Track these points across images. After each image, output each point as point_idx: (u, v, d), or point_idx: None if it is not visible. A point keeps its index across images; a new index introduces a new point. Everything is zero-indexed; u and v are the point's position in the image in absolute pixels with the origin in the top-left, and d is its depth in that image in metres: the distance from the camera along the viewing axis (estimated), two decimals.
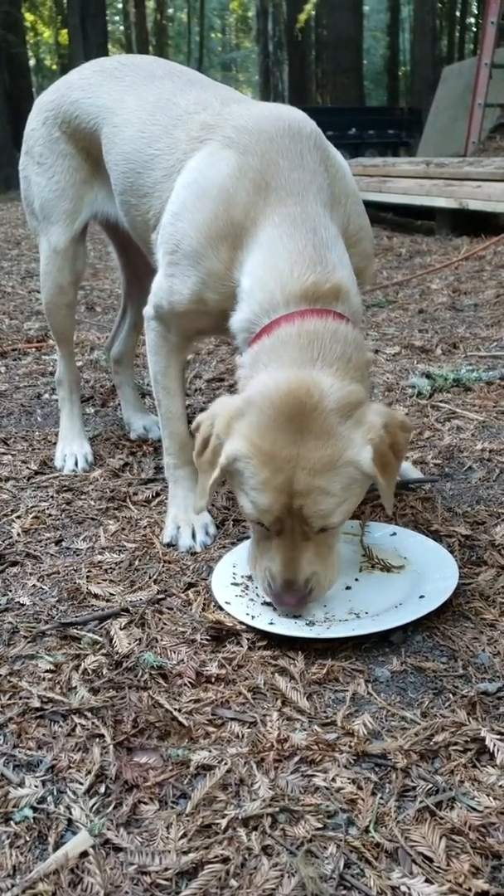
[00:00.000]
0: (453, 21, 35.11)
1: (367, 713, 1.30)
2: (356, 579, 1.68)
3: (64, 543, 1.92)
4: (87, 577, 1.75)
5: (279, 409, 1.43)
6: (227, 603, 1.58)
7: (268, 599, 1.57)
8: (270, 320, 1.54)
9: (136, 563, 1.81)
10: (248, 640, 1.50)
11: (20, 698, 1.35)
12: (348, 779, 1.16)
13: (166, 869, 1.02)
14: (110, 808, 1.13)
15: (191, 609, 1.61)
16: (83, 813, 1.11)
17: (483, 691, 1.33)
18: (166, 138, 1.88)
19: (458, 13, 35.37)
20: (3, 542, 1.92)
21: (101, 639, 1.51)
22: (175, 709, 1.32)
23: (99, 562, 1.81)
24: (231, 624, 1.53)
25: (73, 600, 1.66)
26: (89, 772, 1.19)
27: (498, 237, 5.77)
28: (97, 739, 1.26)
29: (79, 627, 1.55)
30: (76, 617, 1.59)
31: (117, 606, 1.62)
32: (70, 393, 2.51)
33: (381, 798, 1.13)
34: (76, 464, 2.36)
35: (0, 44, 18.50)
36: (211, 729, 1.28)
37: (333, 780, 1.16)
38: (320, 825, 1.08)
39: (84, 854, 1.05)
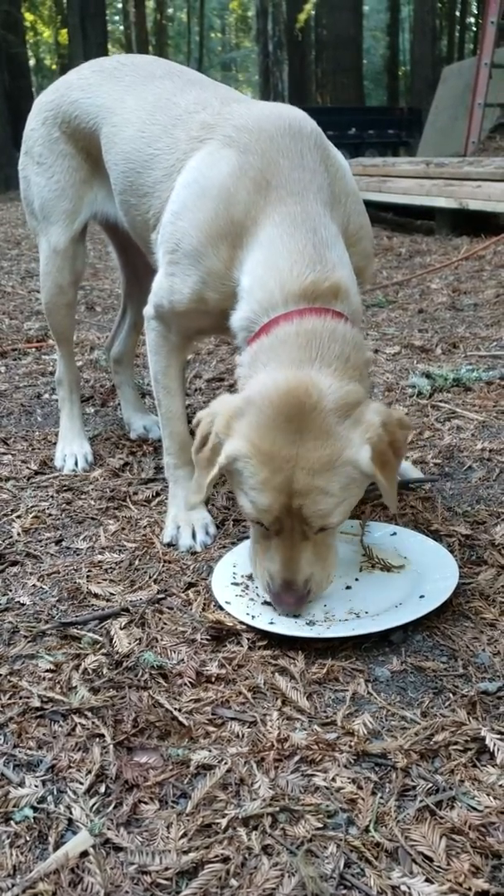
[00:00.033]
0: (453, 21, 35.11)
1: (367, 713, 1.30)
2: (356, 579, 1.68)
3: (64, 543, 1.92)
4: (88, 576, 1.75)
5: (278, 408, 1.43)
6: (227, 603, 1.58)
7: (267, 599, 1.57)
8: (269, 319, 1.54)
9: (137, 562, 1.81)
10: (248, 639, 1.50)
11: (20, 698, 1.35)
12: (348, 778, 1.16)
13: (167, 868, 1.02)
14: (110, 808, 1.13)
15: (191, 609, 1.61)
16: (83, 813, 1.11)
17: (483, 691, 1.33)
18: (166, 138, 1.88)
19: (458, 13, 35.38)
20: (4, 541, 1.92)
21: (101, 638, 1.51)
22: (175, 708, 1.32)
23: (99, 561, 1.81)
24: (231, 624, 1.53)
25: (74, 600, 1.66)
26: (89, 771, 1.19)
27: (498, 237, 5.77)
28: (97, 739, 1.26)
29: (79, 627, 1.55)
30: (76, 617, 1.59)
31: (117, 606, 1.62)
32: (70, 393, 2.51)
33: (382, 798, 1.13)
34: (76, 463, 2.36)
35: (0, 44, 18.49)
36: (211, 728, 1.28)
37: (333, 779, 1.16)
38: (320, 825, 1.08)
39: (84, 854, 1.05)
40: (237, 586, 1.65)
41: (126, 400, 2.66)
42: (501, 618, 1.54)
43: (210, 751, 1.22)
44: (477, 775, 1.16)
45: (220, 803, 1.12)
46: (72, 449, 2.40)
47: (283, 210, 1.58)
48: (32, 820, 1.11)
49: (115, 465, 2.36)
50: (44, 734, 1.27)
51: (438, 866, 1.01)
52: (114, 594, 1.67)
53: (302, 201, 1.59)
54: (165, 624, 1.57)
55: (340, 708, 1.31)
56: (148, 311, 1.87)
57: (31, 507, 2.10)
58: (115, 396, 2.92)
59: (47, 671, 1.42)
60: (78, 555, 1.86)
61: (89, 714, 1.31)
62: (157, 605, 1.63)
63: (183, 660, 1.44)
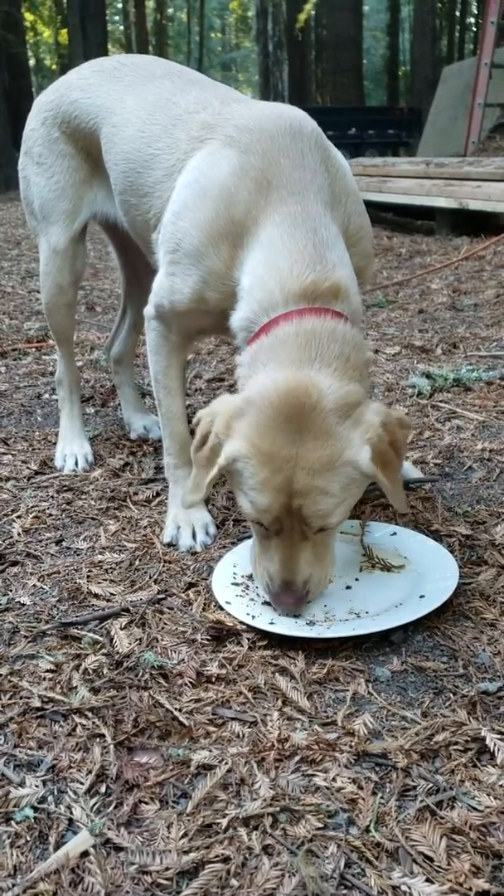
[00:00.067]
0: (453, 21, 35.11)
1: (367, 713, 1.30)
2: (356, 579, 1.68)
3: (64, 543, 1.92)
4: (88, 576, 1.75)
5: (278, 409, 1.43)
6: (227, 603, 1.58)
7: (267, 599, 1.57)
8: (269, 319, 1.54)
9: (137, 562, 1.81)
10: (248, 639, 1.50)
11: (21, 698, 1.35)
12: (349, 778, 1.16)
13: (167, 868, 1.02)
14: (111, 808, 1.13)
15: (191, 609, 1.61)
16: (84, 812, 1.11)
17: (483, 691, 1.33)
18: (166, 138, 1.88)
19: (458, 13, 35.37)
20: (4, 541, 1.92)
21: (101, 639, 1.51)
22: (176, 708, 1.32)
23: (99, 562, 1.81)
24: (231, 624, 1.53)
25: (74, 600, 1.66)
26: (90, 771, 1.19)
27: (498, 237, 5.77)
28: (98, 739, 1.26)
29: (79, 627, 1.55)
30: (77, 617, 1.59)
31: (118, 606, 1.62)
32: (70, 393, 2.51)
33: (382, 798, 1.13)
34: (76, 464, 2.36)
35: (0, 44, 18.49)
36: (211, 728, 1.28)
37: (334, 779, 1.16)
38: (321, 825, 1.08)
39: (85, 854, 1.05)
40: (237, 586, 1.65)
41: (126, 400, 2.66)
42: (502, 618, 1.54)
43: (210, 751, 1.22)
44: (477, 775, 1.16)
45: (220, 803, 1.12)
46: (72, 449, 2.40)
47: (284, 210, 1.59)
48: (33, 820, 1.11)
49: (115, 466, 2.36)
50: (44, 734, 1.27)
51: (439, 866, 1.01)
52: (114, 594, 1.67)
53: (302, 201, 1.59)
54: (166, 624, 1.57)
55: (341, 708, 1.31)
56: (148, 310, 1.87)
57: (32, 507, 2.10)
58: (115, 396, 2.92)
59: (48, 671, 1.42)
60: (78, 555, 1.86)
61: (90, 714, 1.31)
62: (157, 605, 1.63)
63: (183, 660, 1.44)
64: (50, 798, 1.14)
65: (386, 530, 1.86)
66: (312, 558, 1.51)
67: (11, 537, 1.94)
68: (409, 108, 21.49)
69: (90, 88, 2.14)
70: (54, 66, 37.18)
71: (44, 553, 1.87)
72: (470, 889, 0.97)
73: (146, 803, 1.14)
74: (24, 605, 1.65)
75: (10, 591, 1.71)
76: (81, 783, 1.17)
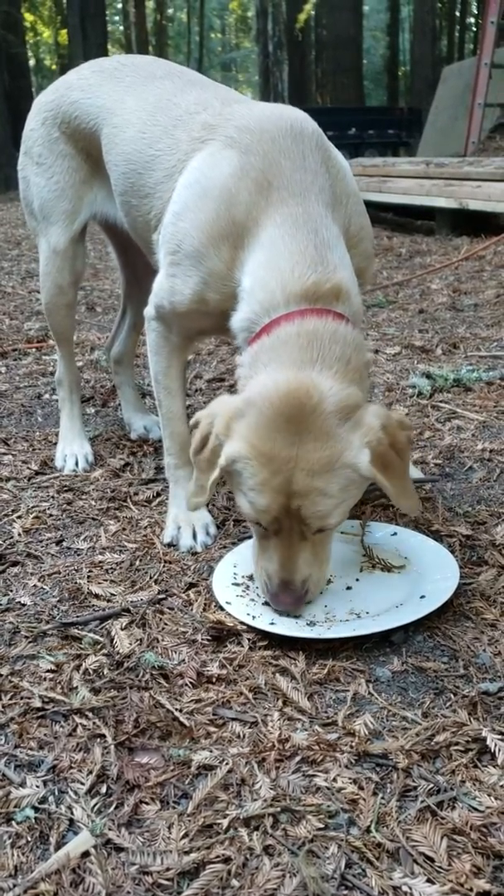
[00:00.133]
0: (453, 21, 35.11)
1: (368, 713, 1.30)
2: (357, 579, 1.68)
3: (65, 543, 1.92)
4: (88, 577, 1.75)
5: (278, 410, 1.43)
6: (227, 603, 1.58)
7: (266, 599, 1.57)
8: (271, 319, 1.54)
9: (137, 563, 1.81)
10: (248, 640, 1.50)
11: (21, 698, 1.35)
12: (349, 779, 1.16)
13: (168, 869, 1.02)
14: (112, 808, 1.13)
15: (192, 609, 1.61)
16: (85, 813, 1.11)
17: (484, 691, 1.33)
18: (167, 139, 1.88)
19: (458, 13, 35.37)
20: (4, 542, 1.92)
21: (102, 639, 1.51)
22: (176, 709, 1.32)
23: (100, 562, 1.81)
24: (232, 624, 1.53)
25: (74, 600, 1.66)
26: (91, 772, 1.19)
27: (498, 237, 5.77)
28: (98, 739, 1.26)
29: (80, 627, 1.56)
30: (77, 617, 1.59)
31: (118, 606, 1.62)
32: (70, 393, 2.51)
33: (383, 798, 1.13)
34: (76, 464, 2.36)
35: (0, 44, 18.49)
36: (212, 729, 1.28)
37: (335, 780, 1.16)
38: (322, 825, 1.08)
39: (86, 854, 1.05)
40: (238, 587, 1.65)
41: (126, 400, 2.67)
42: (502, 618, 1.54)
43: (211, 751, 1.22)
44: (478, 776, 1.16)
45: (221, 804, 1.13)
46: (72, 449, 2.40)
47: (285, 211, 1.59)
48: (34, 820, 1.11)
49: (115, 466, 2.36)
50: (45, 734, 1.27)
51: (440, 867, 1.01)
52: (114, 594, 1.67)
53: (303, 202, 1.59)
54: (166, 624, 1.57)
55: (341, 708, 1.31)
56: (149, 311, 1.87)
57: (32, 507, 2.10)
58: (115, 397, 2.92)
59: (48, 671, 1.42)
60: (79, 555, 1.86)
61: (90, 714, 1.31)
62: (157, 605, 1.63)
63: (184, 660, 1.44)
64: (51, 798, 1.15)
65: (386, 530, 1.86)
66: (311, 558, 1.51)
67: (12, 537, 1.94)
68: (409, 108, 21.47)
69: (90, 89, 2.14)
70: (54, 66, 37.18)
71: (44, 553, 1.87)
72: (471, 889, 0.97)
73: (147, 804, 1.14)
74: (24, 605, 1.65)
75: (11, 591, 1.71)
76: (82, 783, 1.17)
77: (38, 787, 1.16)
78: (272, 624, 1.51)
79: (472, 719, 1.27)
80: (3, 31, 18.61)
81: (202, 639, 1.51)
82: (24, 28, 24.39)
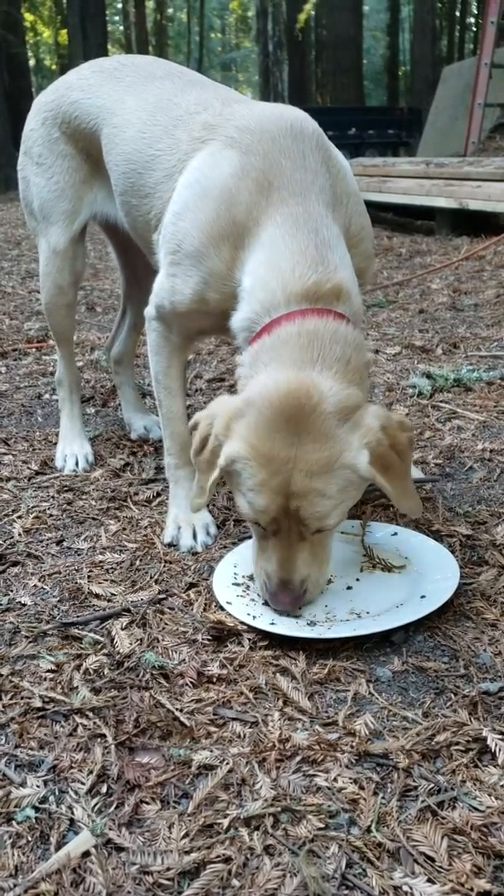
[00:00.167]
0: (453, 21, 35.10)
1: (368, 713, 1.30)
2: (357, 579, 1.68)
3: (65, 543, 1.92)
4: (89, 577, 1.75)
5: (278, 410, 1.43)
6: (228, 603, 1.58)
7: (266, 598, 1.57)
8: (271, 319, 1.54)
9: (138, 563, 1.81)
10: (249, 640, 1.50)
11: (22, 698, 1.35)
12: (350, 779, 1.16)
13: (168, 869, 1.02)
14: (112, 808, 1.13)
15: (192, 609, 1.61)
16: (85, 813, 1.11)
17: (484, 691, 1.33)
18: (167, 139, 1.88)
19: (458, 13, 35.37)
20: (5, 542, 1.92)
21: (102, 639, 1.51)
22: (177, 709, 1.32)
23: (100, 562, 1.81)
24: (232, 624, 1.53)
25: (75, 600, 1.66)
26: (91, 772, 1.19)
27: (498, 237, 5.77)
28: (99, 739, 1.26)
29: (80, 627, 1.56)
30: (77, 617, 1.59)
31: (118, 606, 1.62)
32: (70, 393, 2.51)
33: (383, 798, 1.13)
34: (77, 464, 2.36)
35: (0, 44, 18.49)
36: (212, 729, 1.28)
37: (335, 779, 1.16)
38: (322, 825, 1.08)
39: (86, 854, 1.05)
40: (238, 587, 1.65)
41: (126, 400, 2.67)
42: (502, 618, 1.54)
43: (211, 751, 1.22)
44: (478, 776, 1.16)
45: (221, 803, 1.12)
46: (72, 449, 2.40)
47: (285, 211, 1.59)
48: (34, 820, 1.11)
49: (115, 466, 2.36)
50: (45, 734, 1.27)
51: (440, 866, 1.01)
52: (115, 594, 1.67)
53: (304, 202, 1.59)
54: (167, 624, 1.57)
55: (342, 708, 1.31)
56: (149, 311, 1.87)
57: (32, 507, 2.10)
58: (115, 397, 2.92)
59: (48, 671, 1.42)
60: (79, 555, 1.86)
61: (91, 714, 1.31)
62: (158, 605, 1.63)
63: (184, 660, 1.44)
64: (51, 798, 1.15)
65: (387, 530, 1.86)
66: (310, 558, 1.51)
67: (12, 537, 1.94)
68: (409, 108, 21.47)
69: (90, 89, 2.14)
70: (54, 67, 37.18)
71: (44, 553, 1.87)
72: (471, 889, 0.97)
73: (147, 803, 1.14)
74: (24, 605, 1.65)
75: (11, 591, 1.71)
76: (83, 783, 1.17)
77: (38, 786, 1.16)
78: (272, 624, 1.51)
79: (472, 719, 1.27)
80: (3, 31, 18.61)
81: (202, 639, 1.51)
82: (24, 28, 24.40)
